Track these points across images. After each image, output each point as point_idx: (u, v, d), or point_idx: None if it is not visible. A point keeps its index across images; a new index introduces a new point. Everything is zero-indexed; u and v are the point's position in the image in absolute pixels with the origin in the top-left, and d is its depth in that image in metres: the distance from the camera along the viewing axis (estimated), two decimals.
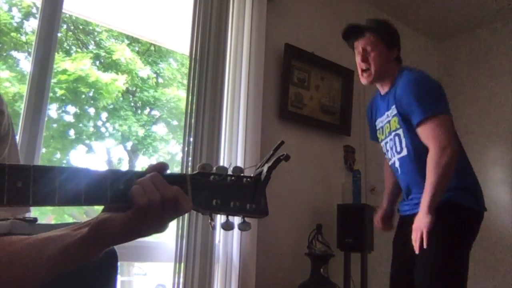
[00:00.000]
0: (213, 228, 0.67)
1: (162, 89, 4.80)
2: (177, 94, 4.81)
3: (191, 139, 2.19)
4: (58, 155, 4.17)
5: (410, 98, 1.77)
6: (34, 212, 2.02)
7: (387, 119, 1.94)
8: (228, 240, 2.28)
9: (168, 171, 0.65)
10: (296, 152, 2.80)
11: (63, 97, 3.97)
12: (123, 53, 4.35)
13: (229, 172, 0.66)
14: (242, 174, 0.67)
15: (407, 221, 1.89)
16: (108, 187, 0.58)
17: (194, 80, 2.26)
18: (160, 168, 0.63)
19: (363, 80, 1.95)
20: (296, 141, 2.81)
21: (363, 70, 1.94)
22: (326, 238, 2.57)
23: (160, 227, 0.61)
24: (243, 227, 0.68)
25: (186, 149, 2.19)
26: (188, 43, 2.30)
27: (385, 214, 2.10)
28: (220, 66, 2.35)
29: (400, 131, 1.87)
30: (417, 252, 1.70)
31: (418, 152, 1.81)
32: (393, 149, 1.92)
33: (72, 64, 3.89)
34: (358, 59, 1.95)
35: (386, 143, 2.00)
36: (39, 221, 1.20)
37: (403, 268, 1.89)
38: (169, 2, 2.84)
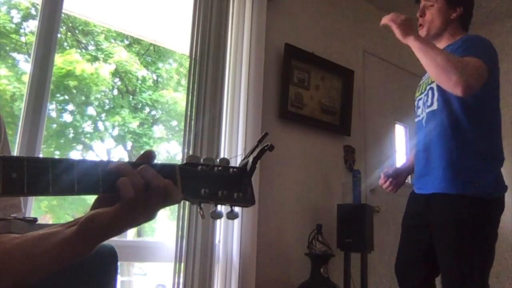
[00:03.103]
0: (203, 217, 0.68)
1: (161, 89, 4.81)
2: (174, 96, 4.82)
3: (191, 139, 2.19)
4: (57, 155, 4.18)
5: (469, 42, 1.73)
6: (34, 212, 2.02)
7: (428, 74, 1.87)
8: (228, 240, 2.27)
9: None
10: (296, 152, 2.80)
11: (56, 94, 3.97)
12: (119, 53, 4.36)
13: (216, 163, 0.68)
14: (228, 165, 0.68)
15: (417, 201, 1.84)
16: (100, 177, 0.59)
17: (194, 80, 2.26)
18: (148, 157, 0.63)
19: (420, 32, 1.89)
20: (296, 141, 2.81)
21: (420, 25, 1.90)
22: (326, 238, 2.57)
23: (148, 217, 0.62)
24: (231, 216, 0.69)
25: (186, 149, 2.19)
26: (188, 43, 2.30)
27: (389, 171, 2.02)
28: (220, 66, 2.35)
29: (434, 85, 1.79)
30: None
31: (446, 108, 1.73)
32: (425, 104, 1.85)
33: (60, 59, 3.89)
34: (418, 13, 1.91)
35: (420, 99, 1.92)
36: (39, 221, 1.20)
37: (413, 254, 1.84)
38: (169, 2, 2.84)
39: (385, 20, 1.74)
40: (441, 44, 1.88)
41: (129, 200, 0.58)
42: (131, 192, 0.58)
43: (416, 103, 1.96)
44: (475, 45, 1.70)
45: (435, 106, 1.78)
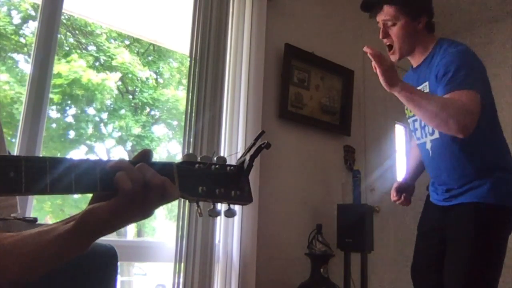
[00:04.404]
0: (201, 215, 0.68)
1: (161, 89, 4.81)
2: (176, 94, 4.82)
3: (191, 139, 2.19)
4: (57, 156, 4.18)
5: (450, 65, 1.58)
6: (34, 212, 2.02)
7: None
8: (228, 240, 2.27)
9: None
10: (296, 152, 2.80)
11: (60, 102, 3.98)
12: (122, 55, 4.37)
13: (213, 161, 0.68)
14: (226, 163, 0.69)
15: (436, 208, 1.80)
16: (98, 175, 0.59)
17: (194, 80, 2.26)
18: (145, 156, 0.64)
19: (391, 58, 1.75)
20: (296, 141, 2.81)
21: (388, 47, 1.77)
22: (326, 238, 2.57)
23: (146, 214, 0.62)
24: (228, 214, 0.70)
25: (186, 149, 2.19)
26: (188, 43, 2.30)
27: (399, 186, 1.95)
28: (220, 66, 2.35)
29: None
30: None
31: (450, 136, 1.62)
32: (425, 128, 1.76)
33: (66, 67, 3.90)
34: (380, 35, 1.76)
35: (414, 120, 1.83)
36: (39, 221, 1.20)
37: (428, 257, 1.81)
38: (169, 2, 2.84)
39: (372, 56, 1.56)
40: (416, 58, 1.80)
41: (126, 193, 0.58)
42: (129, 184, 0.58)
43: (411, 124, 1.87)
44: (462, 68, 1.57)
45: (437, 135, 1.71)
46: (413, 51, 1.78)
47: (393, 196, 1.95)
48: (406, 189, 1.97)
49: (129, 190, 0.58)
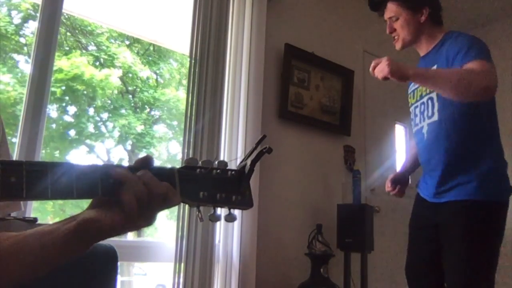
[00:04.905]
0: (201, 220, 0.69)
1: (162, 89, 4.81)
2: (176, 94, 4.82)
3: (191, 139, 2.19)
4: (58, 155, 4.18)
5: (462, 45, 1.66)
6: (34, 212, 2.02)
7: None
8: (228, 240, 2.28)
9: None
10: (296, 152, 2.80)
11: (62, 97, 3.98)
12: (123, 54, 4.37)
13: (214, 166, 0.68)
14: (227, 168, 0.69)
15: (426, 205, 1.82)
16: (99, 181, 0.60)
17: (194, 80, 2.26)
18: (146, 161, 0.64)
19: (395, 46, 1.89)
20: (296, 141, 2.81)
21: (394, 38, 1.89)
22: (326, 238, 2.57)
23: (148, 221, 0.63)
24: (229, 218, 0.70)
25: (186, 149, 2.19)
26: (188, 43, 2.30)
27: (395, 177, 1.98)
28: (220, 66, 2.35)
29: (434, 94, 1.75)
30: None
31: (449, 119, 1.69)
32: (424, 113, 1.81)
33: (67, 62, 3.90)
34: (387, 31, 1.89)
35: (416, 107, 1.88)
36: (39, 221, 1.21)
37: (421, 255, 1.82)
38: (169, 2, 2.84)
39: (381, 74, 1.60)
40: (423, 47, 1.87)
41: (131, 207, 0.59)
42: (134, 203, 0.59)
43: (412, 110, 1.91)
44: (475, 46, 1.65)
45: (436, 117, 1.75)
46: (418, 41, 1.86)
47: (388, 186, 1.98)
48: (401, 181, 1.99)
49: (133, 205, 0.59)
